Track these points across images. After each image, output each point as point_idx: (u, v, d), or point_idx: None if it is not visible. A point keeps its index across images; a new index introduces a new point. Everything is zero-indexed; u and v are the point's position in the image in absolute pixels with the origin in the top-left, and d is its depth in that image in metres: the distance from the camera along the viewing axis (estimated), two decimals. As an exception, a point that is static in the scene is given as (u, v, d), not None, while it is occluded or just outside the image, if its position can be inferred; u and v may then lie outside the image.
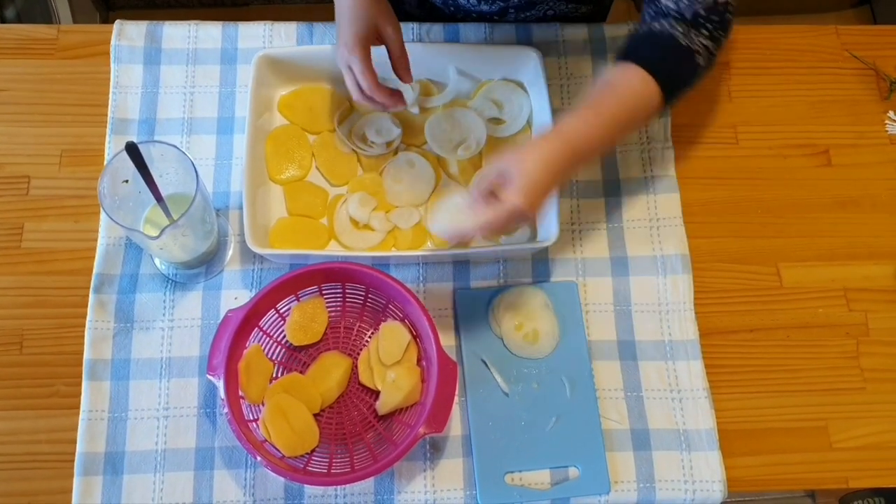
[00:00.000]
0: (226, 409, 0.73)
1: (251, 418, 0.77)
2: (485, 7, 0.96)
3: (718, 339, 0.87)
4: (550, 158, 0.70)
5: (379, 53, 0.81)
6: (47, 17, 1.60)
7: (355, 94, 0.81)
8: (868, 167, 0.95)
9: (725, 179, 0.94)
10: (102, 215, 0.87)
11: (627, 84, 0.76)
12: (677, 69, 0.77)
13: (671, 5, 0.77)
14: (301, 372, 0.82)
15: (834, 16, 1.96)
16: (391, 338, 0.81)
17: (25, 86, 0.94)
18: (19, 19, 1.55)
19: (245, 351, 0.78)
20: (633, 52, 0.77)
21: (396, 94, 0.82)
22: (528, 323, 0.83)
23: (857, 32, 1.01)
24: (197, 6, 1.90)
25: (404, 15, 0.97)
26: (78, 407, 0.80)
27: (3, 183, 0.89)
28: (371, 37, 0.79)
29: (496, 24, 0.98)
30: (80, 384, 0.81)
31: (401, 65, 0.83)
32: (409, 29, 0.97)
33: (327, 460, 0.78)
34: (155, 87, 0.94)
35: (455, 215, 0.73)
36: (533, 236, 0.88)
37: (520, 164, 0.70)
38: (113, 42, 0.95)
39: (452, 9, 1.00)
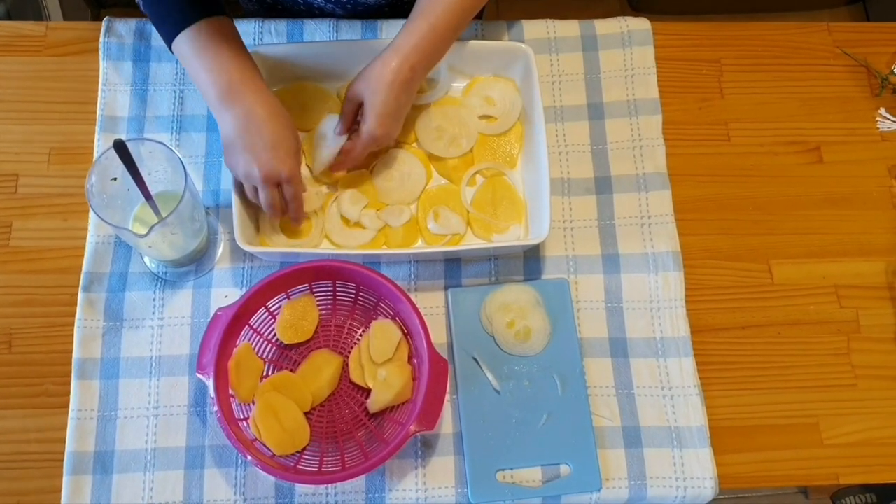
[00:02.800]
0: (216, 408, 0.73)
1: (241, 417, 0.77)
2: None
3: (710, 336, 0.87)
4: (396, 81, 0.78)
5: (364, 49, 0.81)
6: (38, 14, 1.59)
7: (272, 211, 0.80)
8: (859, 164, 0.95)
9: (717, 176, 0.94)
10: (91, 213, 0.87)
11: None
12: None
13: None
14: (292, 370, 0.81)
15: (827, 13, 1.96)
16: (382, 336, 0.80)
17: (14, 83, 0.93)
18: (9, 16, 1.54)
19: (235, 349, 0.78)
20: None
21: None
22: (520, 321, 0.83)
23: (849, 29, 1.01)
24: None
25: (270, 12, 0.98)
26: (67, 406, 0.80)
27: (-8, 181, 0.89)
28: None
29: (487, 22, 0.97)
30: (69, 383, 0.81)
31: (301, 203, 0.83)
32: (398, 26, 0.96)
33: (318, 459, 0.77)
34: (144, 84, 0.93)
35: (328, 147, 0.86)
36: (525, 234, 0.88)
37: (371, 97, 0.79)
38: (102, 39, 0.94)
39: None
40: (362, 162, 0.87)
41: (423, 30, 0.79)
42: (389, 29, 0.96)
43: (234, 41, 0.79)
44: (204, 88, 0.77)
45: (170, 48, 0.78)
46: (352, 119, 0.84)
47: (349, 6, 0.96)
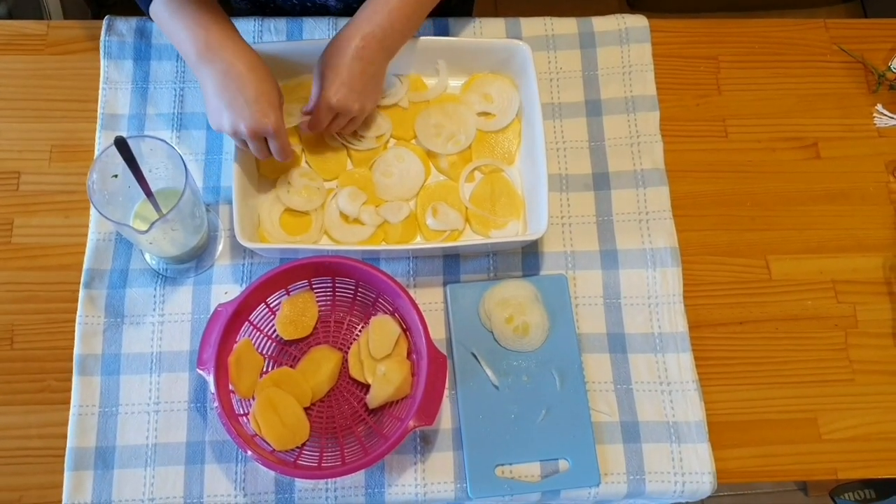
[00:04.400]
0: (216, 404, 0.74)
1: (242, 412, 0.77)
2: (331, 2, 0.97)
3: (708, 332, 0.87)
4: (349, 50, 0.80)
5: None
6: (39, 13, 1.59)
7: (261, 157, 0.82)
8: (856, 160, 0.96)
9: (715, 172, 0.94)
10: (92, 210, 0.87)
11: None
12: None
13: None
14: (291, 366, 0.82)
15: (825, 10, 1.97)
16: (381, 331, 0.81)
17: (15, 81, 0.94)
18: (10, 15, 1.55)
19: (235, 345, 0.78)
20: None
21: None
22: (518, 316, 0.84)
23: (846, 26, 1.02)
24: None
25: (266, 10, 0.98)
26: (68, 402, 0.80)
27: (-7, 179, 0.89)
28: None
29: (486, 19, 0.98)
30: (70, 379, 0.81)
31: (290, 155, 0.84)
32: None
33: (318, 454, 0.78)
34: (145, 82, 0.94)
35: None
36: (523, 230, 0.88)
37: (326, 69, 0.81)
38: (102, 38, 0.94)
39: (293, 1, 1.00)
40: (326, 129, 0.87)
41: (380, 4, 0.80)
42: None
43: (210, 1, 0.79)
44: (184, 48, 0.78)
45: (147, 14, 0.80)
46: (318, 89, 0.84)
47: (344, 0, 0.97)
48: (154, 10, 0.78)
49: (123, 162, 0.73)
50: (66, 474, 0.78)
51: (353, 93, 0.82)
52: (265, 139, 0.81)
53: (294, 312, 0.82)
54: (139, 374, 0.82)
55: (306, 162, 0.90)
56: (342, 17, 0.97)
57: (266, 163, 0.88)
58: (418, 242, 0.88)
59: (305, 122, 0.87)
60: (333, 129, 0.86)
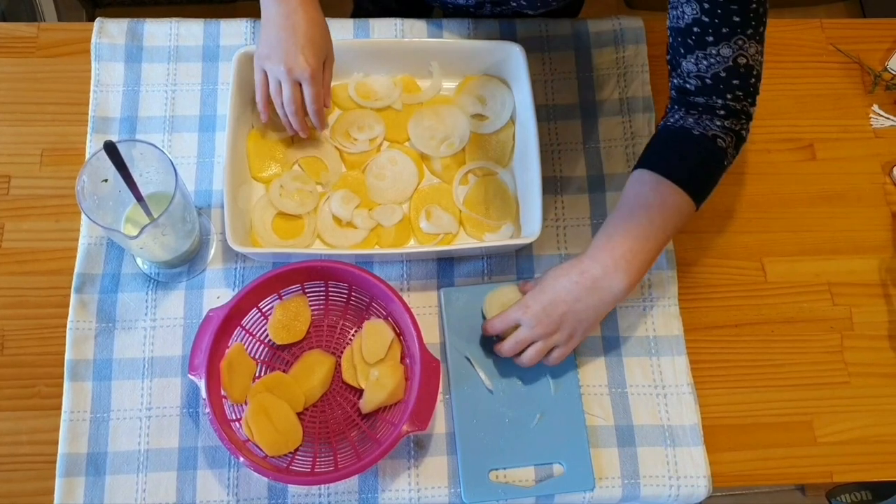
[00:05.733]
0: (207, 409, 0.73)
1: (234, 418, 0.77)
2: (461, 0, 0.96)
3: (703, 335, 0.87)
4: (570, 278, 0.75)
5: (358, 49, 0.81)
6: (32, 15, 1.58)
7: (291, 111, 0.83)
8: (853, 161, 0.95)
9: (710, 174, 0.93)
10: (83, 214, 0.87)
11: (657, 200, 0.75)
12: (703, 170, 0.76)
13: (692, 68, 0.76)
14: (284, 371, 0.81)
15: (823, 9, 1.96)
16: (374, 336, 0.80)
17: (5, 84, 0.93)
18: (4, 18, 1.54)
19: (227, 350, 0.78)
20: (656, 158, 0.77)
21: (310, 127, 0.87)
22: None
23: (842, 26, 1.01)
24: (184, 2, 1.89)
25: (383, 10, 0.96)
26: (59, 408, 0.80)
27: (-17, 183, 0.89)
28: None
29: (479, 20, 0.97)
30: (61, 385, 0.81)
31: (321, 106, 0.84)
32: (391, 25, 0.97)
33: (311, 459, 0.77)
34: (136, 85, 0.93)
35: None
36: (517, 233, 0.87)
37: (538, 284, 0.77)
38: (94, 40, 0.94)
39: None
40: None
41: (642, 236, 0.74)
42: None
43: None
44: None
45: None
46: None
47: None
48: None
49: (114, 167, 0.72)
50: (58, 481, 0.77)
51: (544, 321, 0.76)
52: (300, 85, 0.81)
53: (287, 317, 0.82)
54: (131, 379, 0.81)
55: (299, 165, 0.90)
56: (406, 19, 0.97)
57: (257, 165, 0.88)
58: (412, 246, 0.87)
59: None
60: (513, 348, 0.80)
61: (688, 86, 0.77)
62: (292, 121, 0.85)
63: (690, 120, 0.77)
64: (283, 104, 0.83)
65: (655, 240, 0.74)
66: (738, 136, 0.77)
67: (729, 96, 0.76)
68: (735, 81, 0.75)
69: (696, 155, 0.75)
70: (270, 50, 0.80)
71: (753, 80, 0.76)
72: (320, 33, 0.81)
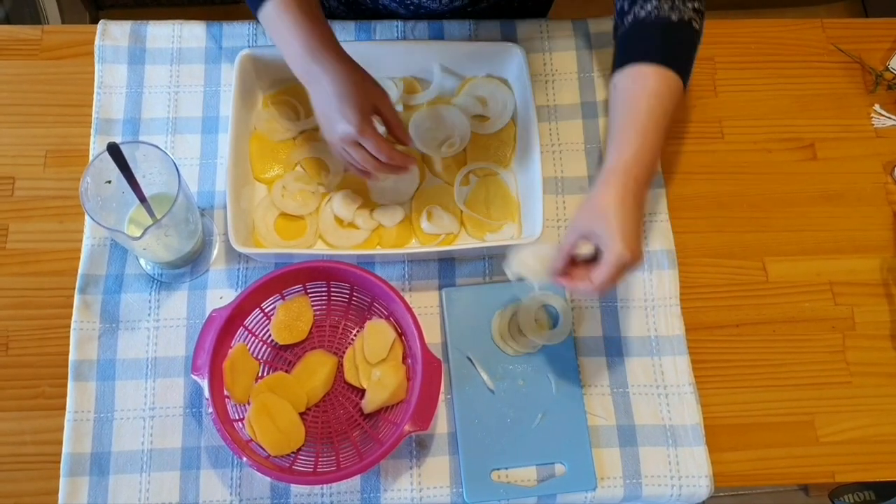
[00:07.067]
0: (210, 409, 0.73)
1: (237, 418, 0.77)
2: (433, 5, 0.95)
3: (704, 335, 0.87)
4: (627, 201, 0.71)
5: (359, 50, 0.81)
6: (36, 17, 1.59)
7: (371, 168, 0.79)
8: (853, 161, 0.95)
9: (711, 174, 0.94)
10: (87, 216, 0.87)
11: (650, 88, 0.75)
12: (683, 50, 0.78)
13: None
14: (286, 371, 0.82)
15: (824, 9, 1.96)
16: (376, 336, 0.81)
17: (9, 86, 0.93)
18: (8, 20, 1.55)
19: (230, 350, 0.78)
20: (634, 50, 0.77)
21: (408, 154, 0.82)
22: (542, 314, 0.85)
23: (843, 26, 1.01)
24: (187, 4, 1.90)
25: (330, 14, 0.96)
26: (63, 408, 0.80)
27: (-12, 184, 0.89)
28: (371, 110, 0.77)
29: (480, 21, 0.98)
30: (65, 385, 0.81)
31: (400, 130, 0.81)
32: (392, 27, 0.97)
33: (313, 459, 0.78)
34: (139, 86, 0.93)
35: (539, 263, 0.76)
36: (518, 233, 0.88)
37: (607, 224, 0.70)
38: (97, 42, 0.94)
39: (396, 5, 0.98)
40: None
41: (633, 140, 0.74)
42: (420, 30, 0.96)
43: (317, 9, 0.78)
44: (294, 46, 0.76)
45: (256, 15, 0.79)
46: (569, 251, 0.74)
47: (412, 7, 0.96)
48: (264, 11, 0.77)
49: (117, 168, 0.72)
50: (62, 480, 0.78)
51: (639, 240, 0.72)
52: (360, 144, 0.77)
53: (289, 317, 0.82)
54: (134, 379, 0.82)
55: (301, 166, 0.90)
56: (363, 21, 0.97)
57: (260, 166, 0.88)
58: (413, 246, 0.88)
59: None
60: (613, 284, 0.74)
61: None
62: (381, 173, 0.81)
63: (665, 6, 0.77)
64: (363, 168, 0.80)
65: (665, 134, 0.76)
66: (702, 15, 0.79)
67: None
68: None
69: (660, 33, 0.77)
70: (321, 126, 0.79)
71: None
72: (352, 82, 0.75)
